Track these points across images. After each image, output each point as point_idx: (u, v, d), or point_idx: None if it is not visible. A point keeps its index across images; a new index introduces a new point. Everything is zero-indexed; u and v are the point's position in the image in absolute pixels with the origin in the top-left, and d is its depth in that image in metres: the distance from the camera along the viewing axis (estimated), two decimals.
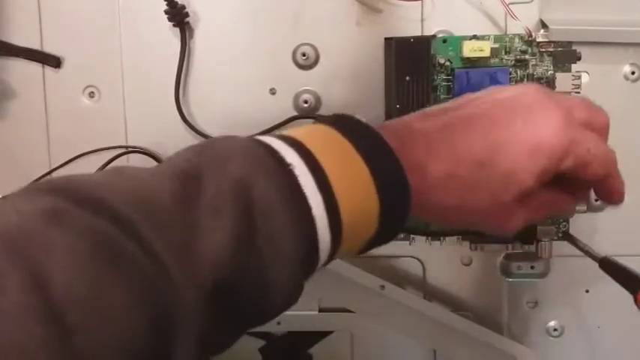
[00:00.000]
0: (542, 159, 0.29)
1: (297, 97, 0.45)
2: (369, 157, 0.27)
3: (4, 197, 0.23)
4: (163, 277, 0.22)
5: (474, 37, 0.41)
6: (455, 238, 0.43)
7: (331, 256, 0.27)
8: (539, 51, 0.42)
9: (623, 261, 0.46)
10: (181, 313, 0.22)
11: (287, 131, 0.28)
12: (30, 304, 0.19)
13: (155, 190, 0.23)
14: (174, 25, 0.44)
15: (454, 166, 0.29)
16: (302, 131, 0.28)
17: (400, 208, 0.28)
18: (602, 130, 0.32)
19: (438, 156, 0.29)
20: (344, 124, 0.28)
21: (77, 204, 0.22)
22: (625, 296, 0.39)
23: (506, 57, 0.42)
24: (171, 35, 0.44)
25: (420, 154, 0.29)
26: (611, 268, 0.37)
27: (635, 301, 0.33)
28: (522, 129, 0.29)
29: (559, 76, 0.41)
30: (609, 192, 0.34)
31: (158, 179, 0.24)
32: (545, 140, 0.29)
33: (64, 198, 0.22)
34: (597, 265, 0.37)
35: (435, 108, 0.32)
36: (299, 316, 0.47)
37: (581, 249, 0.40)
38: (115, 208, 0.22)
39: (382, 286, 0.42)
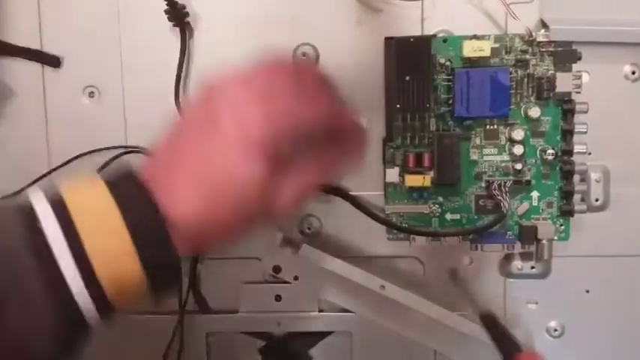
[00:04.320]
0: (256, 153, 0.29)
1: None
2: (130, 216, 0.28)
3: None
4: None
5: (474, 37, 0.41)
6: (455, 238, 0.43)
7: (106, 314, 0.28)
8: (540, 51, 0.42)
9: (623, 261, 0.46)
10: None
11: (67, 185, 0.29)
12: None
13: None
14: (174, 25, 0.44)
15: (190, 190, 0.30)
16: (76, 193, 0.29)
17: (165, 261, 0.29)
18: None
19: (176, 183, 0.30)
20: (115, 182, 0.29)
21: None
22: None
23: (506, 57, 0.42)
24: (171, 35, 0.44)
25: (159, 183, 0.29)
26: (491, 325, 0.37)
27: None
28: (232, 129, 0.30)
29: (559, 76, 0.41)
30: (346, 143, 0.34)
31: None
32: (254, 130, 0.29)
33: None
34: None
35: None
36: (299, 316, 0.47)
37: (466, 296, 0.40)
38: None
39: (382, 286, 0.42)
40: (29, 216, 0.27)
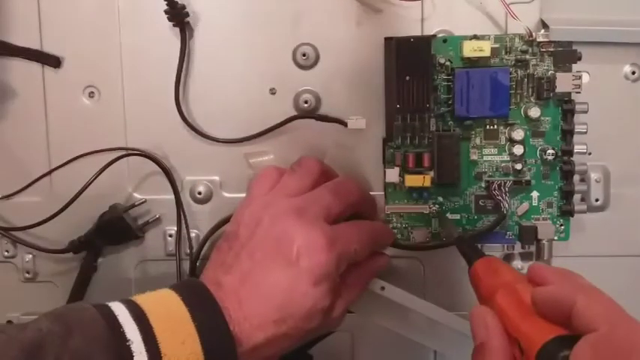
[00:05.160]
0: (325, 283, 0.35)
1: (297, 97, 0.45)
2: (204, 333, 0.31)
3: None
4: None
5: (474, 37, 0.41)
6: None
7: None
8: (540, 51, 0.42)
9: (623, 261, 0.46)
10: None
11: (142, 297, 0.33)
12: None
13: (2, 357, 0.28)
14: (174, 25, 0.44)
15: (263, 318, 0.34)
16: (150, 301, 0.32)
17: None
18: (351, 206, 0.40)
19: (250, 311, 0.34)
20: (191, 297, 0.33)
21: None
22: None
23: (506, 57, 0.42)
24: (171, 35, 0.44)
25: (234, 311, 0.33)
26: (460, 242, 0.40)
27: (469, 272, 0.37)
28: (299, 271, 0.35)
29: (559, 76, 0.41)
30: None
31: (7, 346, 0.28)
32: (318, 269, 0.35)
33: None
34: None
35: (227, 251, 0.37)
36: None
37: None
38: None
39: (382, 287, 0.42)
40: (113, 323, 0.30)
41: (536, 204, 0.43)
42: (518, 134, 0.42)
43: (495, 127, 0.43)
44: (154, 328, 0.30)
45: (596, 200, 0.45)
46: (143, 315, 0.31)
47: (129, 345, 0.29)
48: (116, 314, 0.31)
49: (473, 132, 0.43)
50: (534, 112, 0.42)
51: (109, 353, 0.29)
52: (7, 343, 0.29)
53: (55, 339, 0.29)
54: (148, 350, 0.30)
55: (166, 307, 0.32)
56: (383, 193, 0.44)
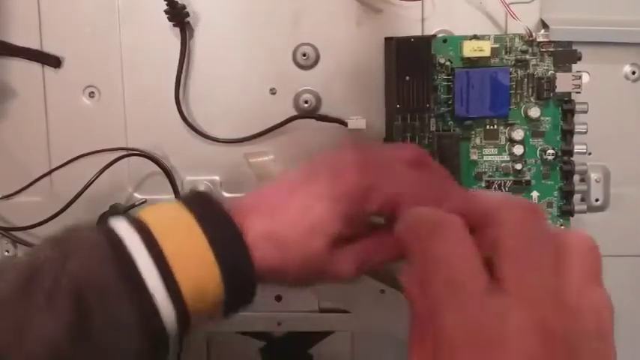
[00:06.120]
0: (341, 205, 0.32)
1: (297, 97, 0.45)
2: (208, 228, 0.30)
3: None
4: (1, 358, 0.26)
5: (474, 37, 0.41)
6: None
7: (185, 325, 0.30)
8: (540, 51, 0.42)
9: (623, 261, 0.46)
10: None
11: (144, 211, 0.31)
12: None
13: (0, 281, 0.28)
14: (174, 25, 0.44)
15: (269, 226, 0.32)
16: (151, 212, 0.31)
17: (243, 272, 0.31)
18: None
19: (256, 219, 0.32)
20: (193, 201, 0.32)
21: None
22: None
23: (506, 57, 0.42)
24: (171, 35, 0.44)
25: (242, 218, 0.31)
26: None
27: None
28: (325, 183, 0.32)
29: (559, 76, 0.41)
30: None
31: (6, 270, 0.28)
32: (340, 188, 0.32)
33: None
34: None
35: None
36: (299, 316, 0.47)
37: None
38: None
39: (382, 291, 0.42)
40: (110, 233, 0.29)
41: (536, 204, 0.43)
42: (518, 134, 0.42)
43: (495, 127, 0.43)
44: (154, 234, 0.29)
45: (596, 200, 0.45)
46: (145, 225, 0.30)
47: (129, 256, 0.28)
48: (113, 229, 0.30)
49: (473, 132, 0.43)
50: (534, 112, 0.42)
51: (110, 266, 0.28)
52: (5, 266, 0.29)
53: (53, 261, 0.28)
54: (152, 256, 0.29)
55: (166, 212, 0.31)
56: None
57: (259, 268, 0.31)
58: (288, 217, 0.32)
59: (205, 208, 0.31)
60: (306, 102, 0.44)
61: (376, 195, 0.32)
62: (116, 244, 0.29)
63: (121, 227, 0.29)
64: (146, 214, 0.30)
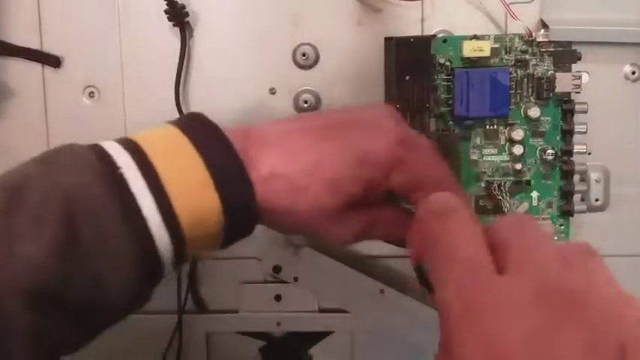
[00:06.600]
0: (367, 169, 0.30)
1: (297, 97, 0.45)
2: (207, 154, 0.28)
3: None
4: None
5: (474, 37, 0.41)
6: None
7: (181, 254, 0.28)
8: (540, 51, 0.42)
9: (623, 261, 0.46)
10: (6, 314, 0.24)
11: (134, 134, 0.29)
12: None
13: None
14: (174, 25, 0.44)
15: (281, 165, 0.30)
16: (144, 133, 0.29)
17: (243, 198, 0.29)
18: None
19: (268, 155, 0.30)
20: (188, 123, 0.30)
21: None
22: None
23: (506, 57, 0.42)
24: (171, 35, 0.44)
25: (252, 150, 0.30)
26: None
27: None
28: (357, 141, 0.30)
29: (559, 76, 0.41)
30: None
31: None
32: (372, 151, 0.30)
33: None
34: None
35: (297, 115, 0.33)
36: (299, 316, 0.47)
37: None
38: None
39: (382, 291, 0.42)
40: (102, 153, 0.28)
41: (536, 204, 0.43)
42: (518, 134, 0.42)
43: (495, 127, 0.43)
44: (147, 153, 0.28)
45: (596, 200, 0.45)
46: (135, 144, 0.28)
47: (120, 173, 0.27)
48: (104, 146, 0.29)
49: (473, 132, 0.43)
50: (534, 112, 0.42)
51: (100, 181, 0.26)
52: None
53: (38, 177, 0.27)
54: (143, 175, 0.27)
55: (162, 138, 0.29)
56: None
57: (264, 204, 0.29)
58: (308, 164, 0.30)
59: (202, 132, 0.29)
60: (305, 102, 0.44)
61: (403, 171, 0.31)
62: (108, 162, 0.27)
63: (113, 148, 0.28)
64: (138, 138, 0.29)
